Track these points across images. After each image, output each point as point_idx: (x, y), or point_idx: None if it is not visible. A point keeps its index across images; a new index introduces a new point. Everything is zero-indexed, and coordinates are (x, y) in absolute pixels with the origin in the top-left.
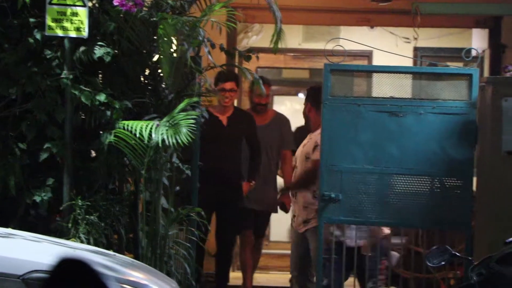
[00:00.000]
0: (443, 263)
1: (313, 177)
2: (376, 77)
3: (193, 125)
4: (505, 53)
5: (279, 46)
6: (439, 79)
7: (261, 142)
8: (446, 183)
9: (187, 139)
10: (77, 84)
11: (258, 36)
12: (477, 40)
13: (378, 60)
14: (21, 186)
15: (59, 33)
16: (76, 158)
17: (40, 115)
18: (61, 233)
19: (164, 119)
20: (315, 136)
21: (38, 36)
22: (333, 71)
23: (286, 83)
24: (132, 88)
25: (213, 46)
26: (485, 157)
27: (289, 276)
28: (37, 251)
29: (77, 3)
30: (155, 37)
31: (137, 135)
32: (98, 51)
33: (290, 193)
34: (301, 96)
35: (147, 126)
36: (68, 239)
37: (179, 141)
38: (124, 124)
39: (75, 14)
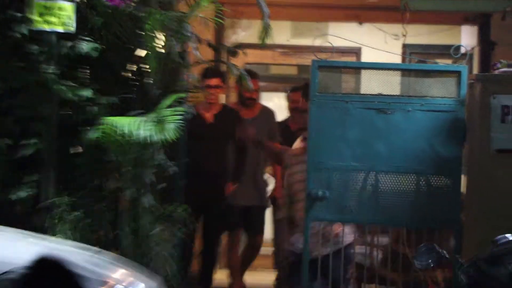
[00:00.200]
0: (430, 262)
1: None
2: (364, 73)
3: (180, 121)
4: (494, 50)
5: (267, 42)
6: (427, 76)
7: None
8: (434, 181)
9: (174, 136)
10: (63, 79)
11: (246, 32)
12: (466, 37)
13: (367, 56)
14: (5, 182)
15: (46, 28)
16: (61, 154)
17: (25, 110)
18: (45, 229)
19: (151, 115)
20: None
21: (24, 31)
22: (321, 67)
23: (274, 80)
24: (118, 84)
25: (200, 41)
26: (474, 155)
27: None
28: (20, 247)
29: None
30: (142, 33)
31: (123, 131)
32: (85, 46)
33: None
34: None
35: (133, 122)
36: (53, 235)
37: (166, 137)
38: (110, 120)
39: (62, 8)
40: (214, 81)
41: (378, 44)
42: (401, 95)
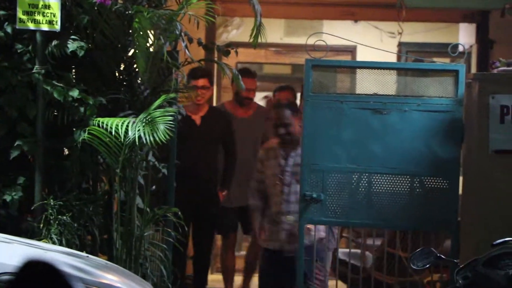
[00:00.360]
0: (427, 265)
1: None
2: (359, 73)
3: (171, 122)
4: (493, 49)
5: (260, 40)
6: (424, 76)
7: (245, 134)
8: (431, 183)
9: (165, 137)
10: (49, 79)
11: (238, 30)
12: (465, 35)
13: (362, 55)
14: None
15: (31, 26)
16: (48, 156)
17: (11, 111)
18: (32, 233)
19: (140, 116)
20: None
21: (8, 29)
22: (315, 66)
23: (268, 79)
24: (106, 84)
25: (190, 40)
26: (472, 156)
27: None
28: (6, 252)
29: None
30: (130, 31)
31: (112, 132)
32: (71, 45)
33: None
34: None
35: (122, 123)
36: (39, 240)
37: (157, 138)
38: (98, 121)
39: (47, 6)
40: (201, 82)
41: (374, 42)
42: (397, 95)
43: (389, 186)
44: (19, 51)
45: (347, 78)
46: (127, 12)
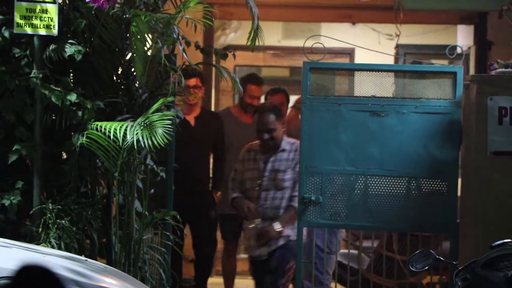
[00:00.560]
0: (426, 267)
1: None
2: (357, 75)
3: (169, 126)
4: (491, 50)
5: (257, 43)
6: (422, 78)
7: (249, 139)
8: (430, 185)
9: (163, 140)
10: (47, 83)
11: (236, 33)
12: (463, 37)
13: (360, 57)
14: None
15: (28, 30)
16: (46, 160)
17: (9, 115)
18: (31, 238)
19: (139, 120)
20: None
21: (6, 33)
22: (313, 69)
23: (266, 82)
24: (104, 88)
25: (188, 44)
26: (470, 158)
27: None
28: (5, 257)
29: (47, 0)
30: (127, 35)
31: (111, 136)
32: (69, 49)
33: None
34: None
35: (120, 127)
36: (38, 244)
37: (155, 142)
38: (96, 125)
39: (44, 11)
40: (193, 81)
41: (372, 44)
42: (395, 97)
43: (388, 188)
44: (16, 55)
45: (345, 80)
46: (124, 16)
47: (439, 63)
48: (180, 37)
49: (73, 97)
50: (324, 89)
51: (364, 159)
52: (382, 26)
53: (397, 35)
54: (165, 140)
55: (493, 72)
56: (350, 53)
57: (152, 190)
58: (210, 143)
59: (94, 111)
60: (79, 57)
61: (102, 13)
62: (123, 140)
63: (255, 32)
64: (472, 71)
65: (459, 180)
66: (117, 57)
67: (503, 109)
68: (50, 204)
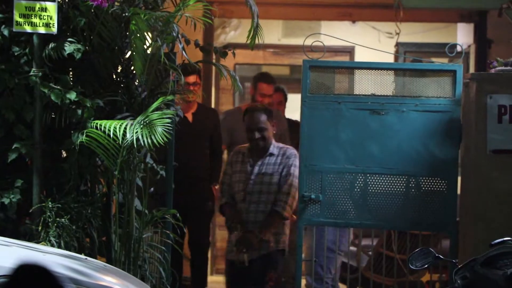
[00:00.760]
0: (426, 266)
1: None
2: (357, 73)
3: (168, 124)
4: (491, 48)
5: (257, 41)
6: (422, 76)
7: None
8: (429, 183)
9: (163, 139)
10: (47, 82)
11: (236, 32)
12: (463, 35)
13: (360, 56)
14: None
15: (28, 29)
16: (46, 158)
17: (8, 114)
18: (30, 236)
19: (138, 118)
20: None
21: (5, 32)
22: (313, 67)
23: None
24: (104, 86)
25: (187, 42)
26: (470, 156)
27: None
28: (4, 255)
29: None
30: (127, 33)
31: (110, 134)
32: (68, 48)
33: None
34: None
35: (120, 125)
36: (38, 242)
37: (155, 140)
38: (96, 123)
39: (44, 9)
40: (192, 78)
41: (372, 43)
42: (395, 95)
43: (388, 186)
44: (16, 54)
45: (345, 78)
46: (124, 14)
47: (439, 61)
48: (179, 35)
49: (72, 96)
50: (324, 87)
51: (363, 158)
52: (382, 24)
53: (397, 33)
54: (165, 139)
55: (492, 70)
56: (350, 51)
57: (152, 189)
58: (208, 138)
59: (94, 110)
60: (78, 56)
61: (101, 11)
62: (122, 138)
63: (255, 30)
64: (472, 69)
65: (459, 179)
66: (116, 56)
67: (502, 107)
68: (49, 203)
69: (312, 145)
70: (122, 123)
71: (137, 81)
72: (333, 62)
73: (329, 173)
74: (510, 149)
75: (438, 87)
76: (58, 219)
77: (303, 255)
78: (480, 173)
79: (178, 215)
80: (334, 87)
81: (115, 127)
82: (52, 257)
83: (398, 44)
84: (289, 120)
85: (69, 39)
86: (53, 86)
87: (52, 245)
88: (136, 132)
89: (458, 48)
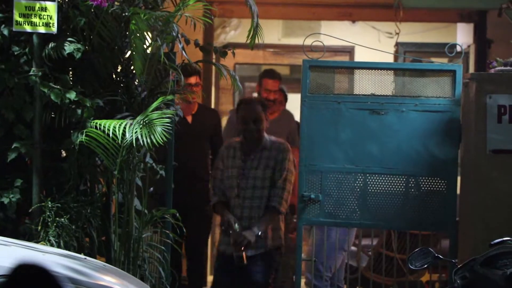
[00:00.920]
0: (425, 266)
1: None
2: (356, 73)
3: (168, 124)
4: (490, 48)
5: (257, 41)
6: (421, 76)
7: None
8: (429, 183)
9: (162, 139)
10: (46, 81)
11: (236, 31)
12: (462, 35)
13: (360, 56)
14: None
15: (27, 28)
16: (45, 158)
17: (8, 113)
18: (30, 236)
19: (138, 118)
20: None
21: (5, 31)
22: (312, 67)
23: None
24: (103, 86)
25: (187, 42)
26: (469, 156)
27: None
28: (3, 255)
29: None
30: (127, 33)
31: (110, 134)
32: (68, 47)
33: None
34: None
35: (120, 125)
36: (37, 242)
37: (154, 140)
38: (95, 123)
39: (43, 9)
40: (194, 79)
41: (372, 43)
42: (395, 95)
43: (387, 186)
44: (16, 53)
45: (344, 78)
46: (123, 14)
47: (439, 61)
48: (179, 35)
49: (72, 95)
50: (323, 87)
51: (363, 157)
52: (382, 24)
53: (397, 33)
54: (164, 139)
55: (492, 70)
56: (350, 51)
57: (152, 188)
58: (208, 138)
59: (94, 109)
60: (78, 55)
61: (101, 11)
62: (122, 138)
63: (255, 30)
64: (471, 69)
65: (459, 179)
66: (116, 55)
67: (502, 107)
68: (49, 202)
69: (311, 145)
70: (122, 123)
71: (136, 80)
72: (333, 62)
73: (329, 173)
74: (510, 149)
75: (437, 87)
76: (57, 218)
77: (303, 255)
78: (480, 173)
79: (178, 215)
80: (334, 87)
81: (114, 127)
82: (52, 257)
83: (397, 44)
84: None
85: (69, 39)
86: (53, 85)
87: (52, 245)
88: (136, 132)
89: (458, 48)
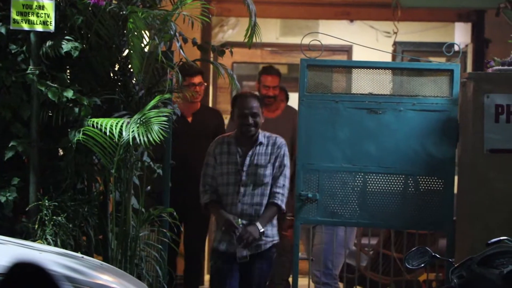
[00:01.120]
0: (422, 265)
1: None
2: (354, 72)
3: (165, 123)
4: (488, 48)
5: (255, 40)
6: (419, 75)
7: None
8: (426, 182)
9: (159, 137)
10: (44, 80)
11: (234, 30)
12: (460, 35)
13: (358, 55)
14: None
15: (25, 27)
16: (42, 156)
17: (5, 112)
18: (27, 234)
19: (135, 116)
20: None
21: (2, 30)
22: (310, 66)
23: None
24: (101, 84)
25: (185, 40)
26: (467, 156)
27: None
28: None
29: None
30: (124, 31)
31: (107, 133)
32: (66, 46)
33: None
34: None
35: (117, 123)
36: (34, 241)
37: (151, 139)
38: (93, 121)
39: (41, 7)
40: (197, 79)
41: (370, 42)
42: (393, 94)
43: (385, 185)
44: (13, 51)
45: (342, 77)
46: (121, 13)
47: (437, 61)
48: (177, 34)
49: (69, 94)
50: (321, 86)
51: (361, 157)
52: (380, 23)
53: (395, 33)
54: (161, 137)
55: (490, 70)
56: (347, 50)
57: (149, 187)
58: (209, 139)
59: (91, 108)
60: (75, 54)
61: (99, 9)
62: (119, 136)
63: (253, 29)
64: (469, 68)
65: (456, 178)
66: (114, 54)
67: (499, 106)
68: (46, 201)
69: (309, 144)
70: (119, 121)
71: (134, 79)
72: (330, 61)
73: (326, 172)
74: (507, 148)
75: (435, 86)
76: (54, 217)
77: (300, 254)
78: (477, 173)
79: (175, 213)
80: (332, 86)
81: (111, 125)
82: (49, 256)
83: (395, 43)
84: None
85: (67, 37)
86: (50, 84)
87: (49, 243)
88: (133, 131)
89: (456, 48)
